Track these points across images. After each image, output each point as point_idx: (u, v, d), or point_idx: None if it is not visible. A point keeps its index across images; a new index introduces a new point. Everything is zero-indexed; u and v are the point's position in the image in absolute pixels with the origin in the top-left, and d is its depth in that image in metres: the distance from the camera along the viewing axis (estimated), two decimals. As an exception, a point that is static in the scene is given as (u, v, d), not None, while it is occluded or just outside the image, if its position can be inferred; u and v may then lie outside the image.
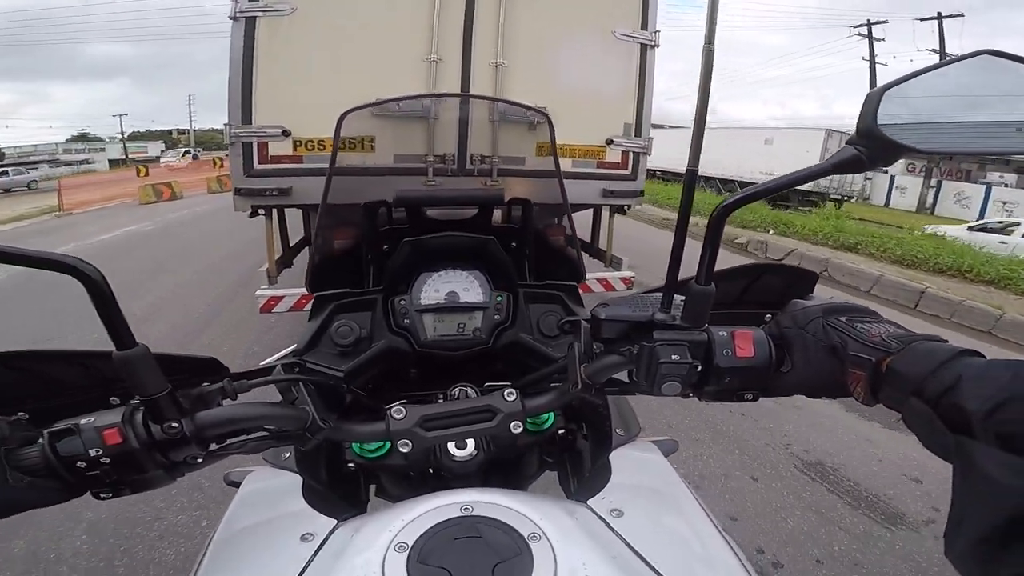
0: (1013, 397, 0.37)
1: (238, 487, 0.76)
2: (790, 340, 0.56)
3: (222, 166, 23.94)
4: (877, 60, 23.35)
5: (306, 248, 4.09)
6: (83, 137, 58.69)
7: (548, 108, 2.92)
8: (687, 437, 2.95)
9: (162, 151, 47.43)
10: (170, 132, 61.20)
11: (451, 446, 0.72)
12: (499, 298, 0.91)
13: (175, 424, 0.51)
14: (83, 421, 0.50)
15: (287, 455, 0.71)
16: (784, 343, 0.57)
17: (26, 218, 12.96)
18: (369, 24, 3.06)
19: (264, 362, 0.72)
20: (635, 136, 3.69)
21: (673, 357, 0.53)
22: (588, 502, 0.58)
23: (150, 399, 0.50)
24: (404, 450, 0.63)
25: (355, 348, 0.86)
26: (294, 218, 4.06)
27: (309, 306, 3.15)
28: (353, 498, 0.81)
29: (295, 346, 0.84)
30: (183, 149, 39.86)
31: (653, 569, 0.48)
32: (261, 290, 3.22)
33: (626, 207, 4.08)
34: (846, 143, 0.48)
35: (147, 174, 19.22)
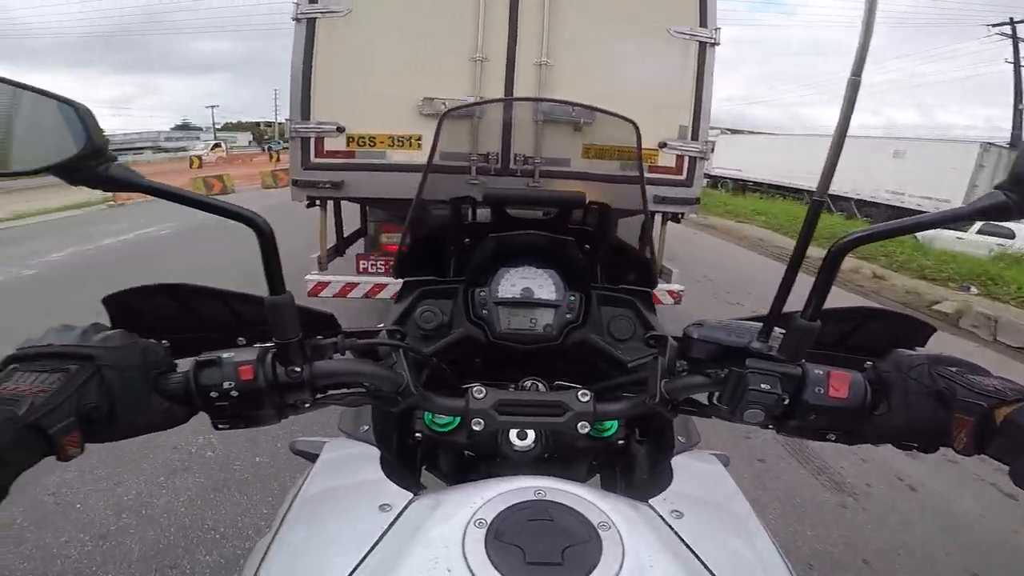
0: None
1: (304, 455, 0.83)
2: (889, 384, 0.55)
3: (278, 160, 23.49)
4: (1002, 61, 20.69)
5: (360, 239, 4.26)
6: (184, 127, 63.88)
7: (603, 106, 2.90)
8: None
9: (250, 142, 49.58)
10: (257, 124, 65.41)
11: (513, 435, 0.74)
12: (572, 298, 0.94)
13: (298, 369, 0.56)
14: (224, 355, 0.55)
15: (365, 427, 0.74)
16: (882, 387, 0.56)
17: (73, 208, 11.16)
18: (417, 25, 3.15)
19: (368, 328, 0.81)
20: (692, 139, 3.54)
21: (762, 386, 0.54)
22: (649, 501, 0.59)
23: (283, 343, 0.55)
24: (476, 428, 0.66)
25: (435, 332, 0.92)
26: (350, 212, 4.23)
27: (353, 293, 3.32)
28: (409, 472, 0.84)
29: (381, 324, 0.89)
30: (213, 141, 37.68)
31: (709, 570, 0.49)
32: (310, 275, 3.41)
33: (680, 215, 3.95)
34: (994, 187, 0.45)
35: (200, 166, 19.65)
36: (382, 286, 3.52)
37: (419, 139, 3.22)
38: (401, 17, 3.16)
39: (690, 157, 3.60)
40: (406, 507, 0.55)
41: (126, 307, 0.67)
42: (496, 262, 0.97)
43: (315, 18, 3.12)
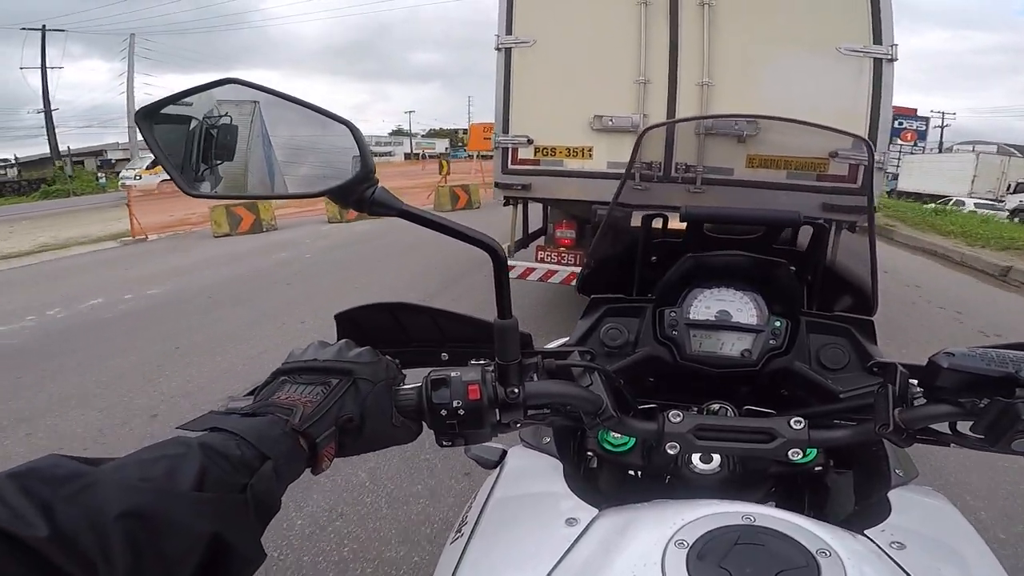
0: None
1: (477, 459, 0.88)
2: None
3: (448, 172, 17.19)
4: None
5: (541, 237, 5.05)
6: (399, 132, 71.68)
7: (762, 123, 3.14)
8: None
9: (447, 148, 51.12)
10: (456, 131, 69.08)
11: (695, 458, 0.74)
12: (777, 323, 0.89)
13: (516, 389, 0.57)
14: (452, 374, 0.56)
15: (547, 440, 0.76)
16: None
17: (83, 244, 9.59)
18: (588, 51, 3.75)
19: (551, 345, 0.83)
20: (862, 149, 3.54)
21: None
22: (865, 532, 0.56)
23: (505, 364, 0.56)
24: (671, 452, 0.65)
25: (620, 351, 0.90)
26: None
27: (531, 276, 4.18)
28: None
29: (566, 339, 0.92)
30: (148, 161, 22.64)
31: None
32: (511, 261, 4.31)
33: (857, 225, 3.90)
34: None
35: (449, 172, 16.49)
36: (554, 272, 4.29)
37: (590, 150, 3.79)
38: (575, 45, 3.77)
39: (865, 167, 3.58)
40: (593, 521, 0.56)
41: (353, 323, 0.72)
42: (690, 282, 0.93)
43: (511, 48, 3.88)
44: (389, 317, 0.73)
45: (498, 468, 0.76)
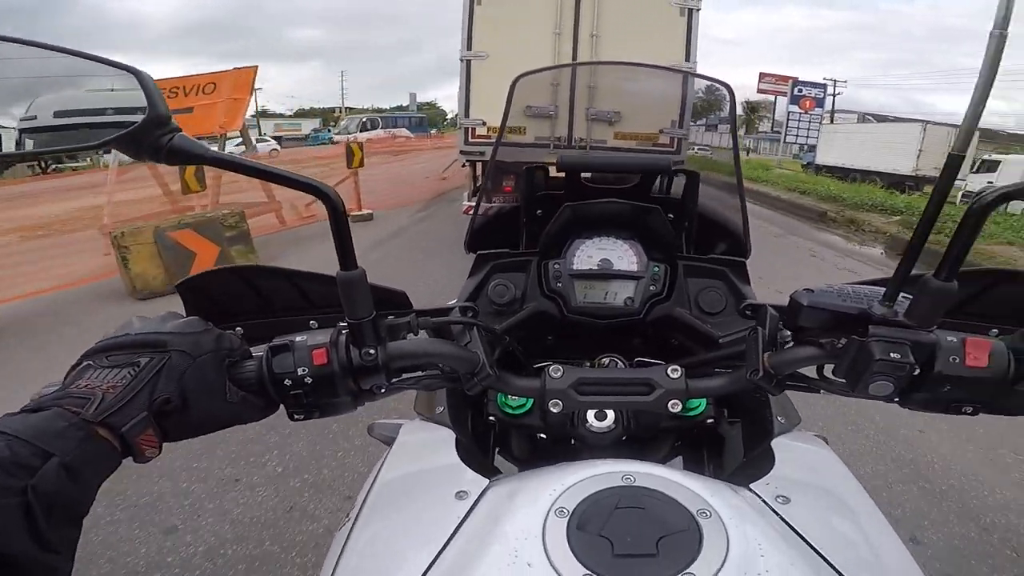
0: None
1: (381, 438, 0.87)
2: None
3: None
4: None
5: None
6: (264, 113, 63.88)
7: (622, 112, 5.55)
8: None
9: (315, 129, 44.03)
10: (333, 110, 64.61)
11: (591, 416, 0.72)
12: (656, 269, 0.89)
13: (372, 351, 0.53)
14: (296, 339, 0.53)
15: (440, 409, 0.75)
16: None
17: None
18: (521, 61, 5.65)
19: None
20: (679, 128, 6.15)
21: (892, 355, 0.49)
22: (750, 486, 0.55)
23: (357, 322, 0.52)
24: (555, 410, 0.61)
25: (508, 308, 0.90)
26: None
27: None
28: (484, 455, 0.83)
29: (454, 301, 0.87)
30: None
31: (826, 560, 0.46)
32: (465, 202, 6.36)
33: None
34: None
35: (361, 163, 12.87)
36: (491, 207, 6.61)
37: (524, 128, 5.98)
38: (513, 57, 5.82)
39: (677, 139, 6.18)
40: (482, 494, 0.54)
41: (200, 293, 0.66)
42: (572, 233, 0.93)
43: (470, 60, 5.93)
44: (243, 285, 0.67)
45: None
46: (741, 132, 55.39)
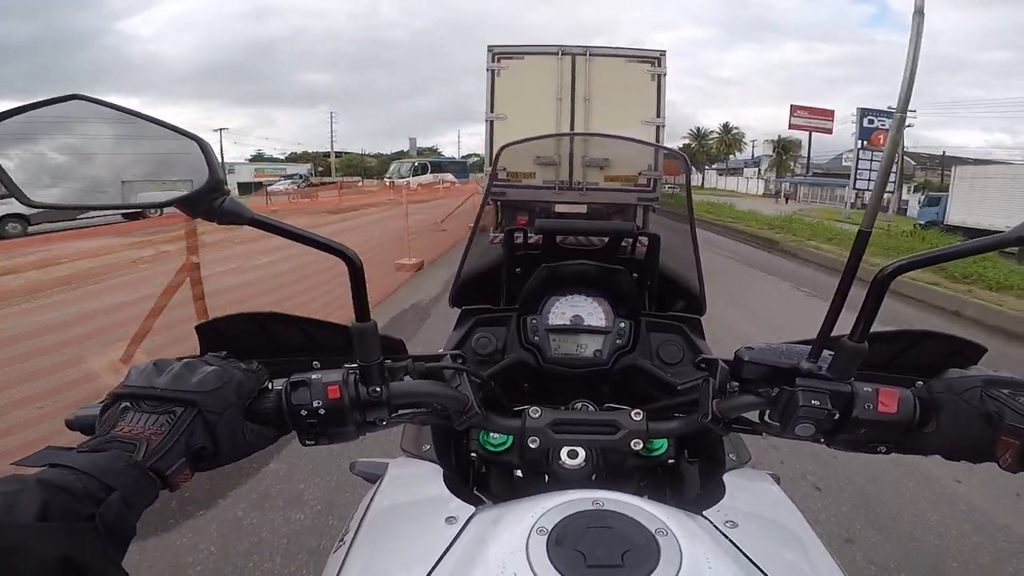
0: None
1: (362, 475, 0.95)
2: (940, 403, 0.57)
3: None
4: None
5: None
6: (258, 157, 65.59)
7: (610, 159, 7.27)
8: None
9: (303, 175, 42.63)
10: (326, 155, 66.62)
11: (564, 454, 0.78)
12: (622, 324, 0.98)
13: (378, 389, 0.60)
14: (312, 376, 0.59)
15: (427, 447, 0.81)
16: (932, 406, 0.58)
17: None
18: (533, 121, 7.48)
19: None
20: (654, 170, 7.88)
21: (813, 402, 0.57)
22: (703, 512, 0.60)
23: (367, 365, 0.59)
24: (533, 445, 0.69)
25: (490, 358, 0.99)
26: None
27: (495, 242, 8.65)
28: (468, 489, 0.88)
29: (442, 350, 0.92)
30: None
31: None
32: (491, 233, 7.93)
33: (653, 207, 8.26)
34: None
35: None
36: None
37: (533, 174, 7.64)
38: (527, 118, 7.49)
39: (653, 179, 7.86)
40: (470, 519, 0.59)
41: (216, 333, 0.74)
42: (547, 290, 1.01)
43: (493, 120, 7.67)
44: (255, 328, 0.75)
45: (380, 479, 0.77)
46: (772, 174, 54.41)
